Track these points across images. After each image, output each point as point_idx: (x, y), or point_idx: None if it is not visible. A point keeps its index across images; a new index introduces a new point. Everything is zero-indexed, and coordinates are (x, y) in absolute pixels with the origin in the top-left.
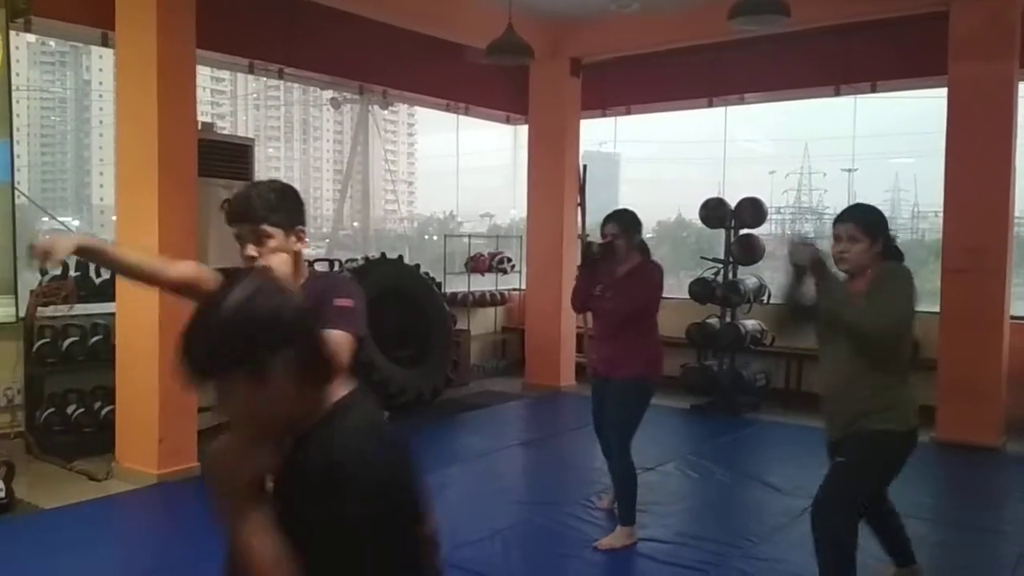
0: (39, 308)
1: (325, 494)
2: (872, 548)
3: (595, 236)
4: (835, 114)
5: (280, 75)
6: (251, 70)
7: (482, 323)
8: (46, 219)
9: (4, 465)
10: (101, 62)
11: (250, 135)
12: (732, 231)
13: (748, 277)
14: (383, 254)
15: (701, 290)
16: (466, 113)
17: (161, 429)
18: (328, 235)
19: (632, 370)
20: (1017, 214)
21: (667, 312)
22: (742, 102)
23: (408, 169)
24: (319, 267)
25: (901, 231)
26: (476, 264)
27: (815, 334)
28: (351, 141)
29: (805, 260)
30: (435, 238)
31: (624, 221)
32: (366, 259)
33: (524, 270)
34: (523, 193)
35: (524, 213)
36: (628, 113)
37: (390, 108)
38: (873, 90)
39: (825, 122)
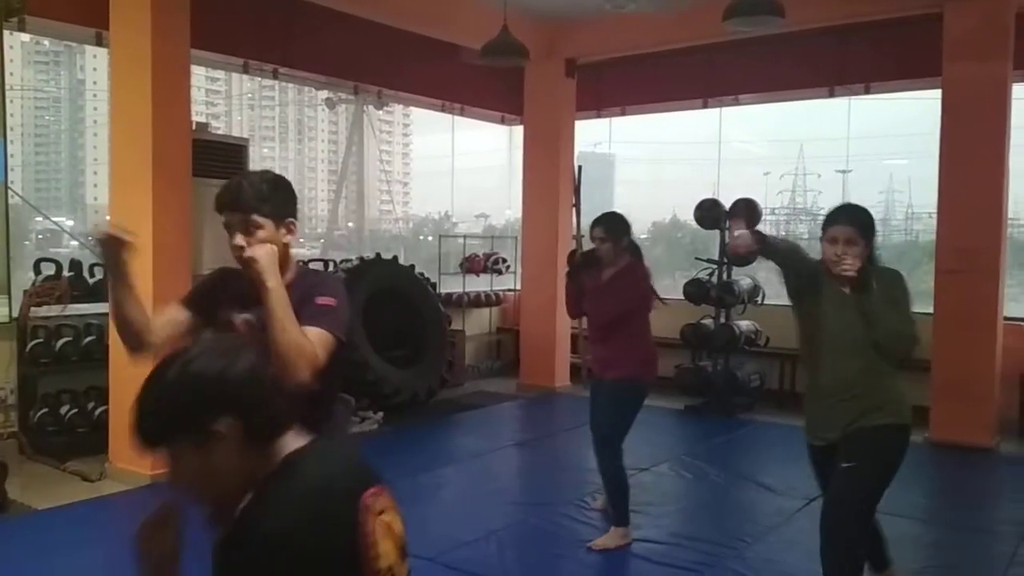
0: (32, 308)
1: (249, 565)
2: None
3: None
4: (829, 115)
5: (275, 75)
6: (246, 70)
7: (477, 324)
8: (40, 219)
9: None
10: (95, 62)
11: (245, 135)
12: (726, 232)
13: (742, 278)
14: (378, 254)
15: (695, 291)
16: (461, 114)
17: None
18: (323, 235)
19: (624, 371)
20: (1010, 215)
21: (661, 313)
22: (737, 103)
23: (403, 169)
24: (313, 268)
25: (895, 232)
26: (471, 265)
27: (803, 338)
28: (346, 141)
29: (742, 250)
30: (430, 239)
31: (610, 225)
32: (361, 259)
33: (519, 271)
34: (518, 194)
35: (519, 214)
36: (623, 114)
37: (385, 108)
38: (867, 91)
39: (819, 123)
